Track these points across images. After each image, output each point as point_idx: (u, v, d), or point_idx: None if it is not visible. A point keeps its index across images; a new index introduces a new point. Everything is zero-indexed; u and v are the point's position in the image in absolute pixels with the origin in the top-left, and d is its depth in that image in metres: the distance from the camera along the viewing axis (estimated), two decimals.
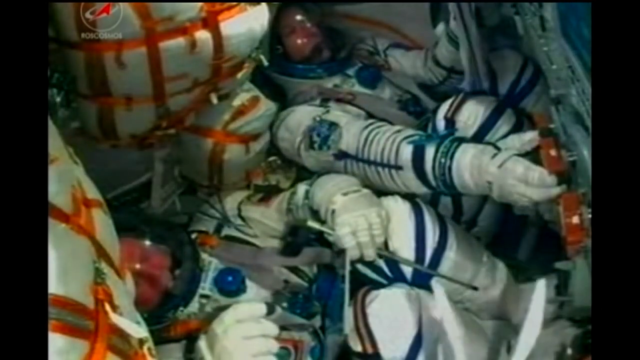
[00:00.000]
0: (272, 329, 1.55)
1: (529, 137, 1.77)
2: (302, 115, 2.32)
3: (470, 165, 1.79)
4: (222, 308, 1.65)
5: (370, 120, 2.21)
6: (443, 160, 1.84)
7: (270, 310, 1.60)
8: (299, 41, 2.51)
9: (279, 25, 2.47)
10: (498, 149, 1.80)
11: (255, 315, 1.56)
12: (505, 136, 2.05)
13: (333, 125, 2.18)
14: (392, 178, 1.99)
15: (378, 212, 1.86)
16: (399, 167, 1.96)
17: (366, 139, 2.05)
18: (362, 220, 1.84)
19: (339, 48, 2.58)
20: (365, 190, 1.95)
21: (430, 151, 1.88)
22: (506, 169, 1.70)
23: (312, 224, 1.92)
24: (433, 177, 1.88)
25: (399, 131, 2.04)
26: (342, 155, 2.11)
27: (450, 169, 1.83)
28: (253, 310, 1.57)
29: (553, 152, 1.63)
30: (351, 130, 2.12)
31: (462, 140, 1.88)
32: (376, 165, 2.01)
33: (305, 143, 2.23)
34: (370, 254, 1.87)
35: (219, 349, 1.51)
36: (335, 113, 2.30)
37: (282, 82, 2.54)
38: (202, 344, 1.56)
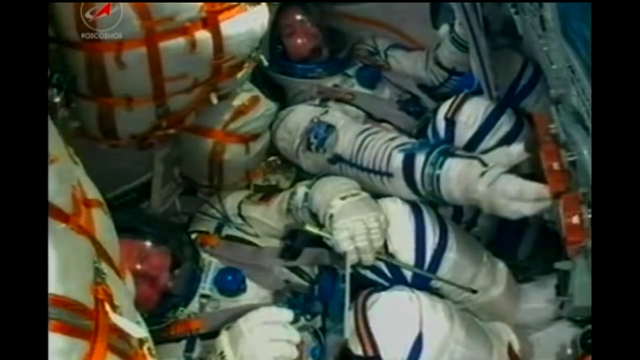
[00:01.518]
0: (297, 336, 1.61)
1: (516, 151, 1.78)
2: (300, 116, 2.32)
3: (457, 180, 1.80)
4: (244, 311, 1.71)
5: (367, 125, 2.22)
6: (431, 171, 1.86)
7: (296, 319, 1.68)
8: (299, 41, 2.51)
9: (278, 25, 2.47)
10: (485, 164, 1.79)
11: (283, 321, 1.63)
12: (505, 136, 2.06)
13: (330, 127, 2.19)
14: (383, 185, 2.00)
15: (376, 217, 1.86)
16: (389, 175, 1.97)
17: (360, 144, 2.06)
18: (360, 225, 1.83)
19: (339, 48, 2.58)
20: (364, 194, 1.94)
21: (419, 160, 1.89)
22: (495, 189, 1.71)
23: (310, 228, 1.91)
24: (422, 187, 1.90)
25: (392, 139, 2.04)
26: (337, 159, 2.12)
27: (438, 180, 1.85)
28: (281, 315, 1.65)
29: (556, 166, 1.59)
30: (347, 133, 2.13)
31: (449, 152, 1.88)
32: (368, 171, 2.02)
33: (303, 145, 2.24)
34: (368, 258, 1.86)
35: (242, 346, 1.58)
36: (334, 114, 2.30)
37: (282, 82, 2.54)
38: (223, 338, 1.60)
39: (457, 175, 1.80)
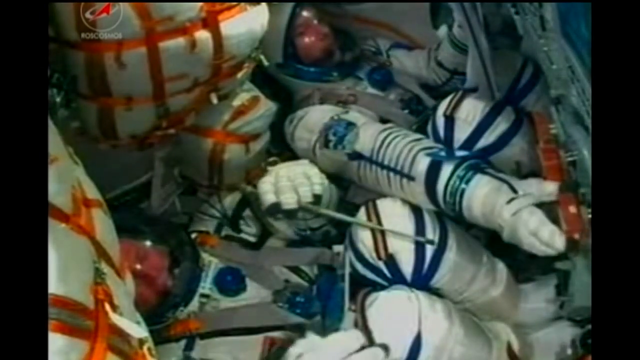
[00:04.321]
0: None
1: (549, 190, 1.69)
2: (321, 114, 2.29)
3: (483, 202, 1.78)
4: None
5: (390, 124, 2.19)
6: (457, 184, 1.82)
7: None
8: (308, 40, 2.49)
9: (291, 26, 2.45)
10: (515, 190, 1.75)
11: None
12: (504, 133, 2.06)
13: (350, 125, 2.15)
14: (401, 187, 1.96)
15: (303, 170, 1.86)
16: (411, 178, 1.93)
17: (383, 141, 2.02)
18: (283, 172, 1.86)
19: (349, 50, 2.57)
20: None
21: (446, 171, 1.85)
22: (520, 218, 1.68)
23: (249, 189, 1.92)
24: (443, 199, 1.86)
25: (418, 140, 2.01)
26: (356, 155, 2.08)
27: (462, 196, 1.81)
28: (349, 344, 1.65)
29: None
30: (368, 131, 2.09)
31: (479, 168, 1.85)
32: (389, 170, 1.98)
33: (321, 142, 2.19)
34: (288, 200, 1.86)
35: None
36: (354, 114, 2.28)
37: (291, 84, 2.52)
38: None
39: (483, 195, 1.77)
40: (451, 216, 1.94)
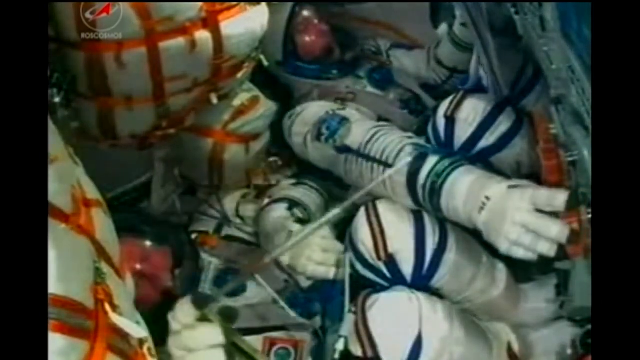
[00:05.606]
0: None
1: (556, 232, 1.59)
2: (317, 109, 2.29)
3: (469, 187, 1.71)
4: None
5: (383, 123, 2.19)
6: (441, 171, 1.77)
7: None
8: (308, 39, 2.49)
9: (291, 24, 2.46)
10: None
11: None
12: (504, 133, 2.06)
13: (344, 120, 2.14)
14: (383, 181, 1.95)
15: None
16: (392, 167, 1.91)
17: (372, 136, 2.01)
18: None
19: (349, 49, 2.57)
20: None
21: (430, 161, 1.81)
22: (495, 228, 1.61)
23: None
24: (422, 188, 1.81)
25: (409, 137, 2.00)
26: (344, 149, 2.08)
27: (444, 182, 1.76)
28: None
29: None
30: (361, 127, 2.09)
31: (461, 163, 1.80)
32: (373, 161, 1.96)
33: (313, 134, 2.19)
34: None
35: None
36: (350, 111, 2.28)
37: (291, 82, 2.52)
38: None
39: (469, 182, 1.71)
40: (428, 210, 1.88)
